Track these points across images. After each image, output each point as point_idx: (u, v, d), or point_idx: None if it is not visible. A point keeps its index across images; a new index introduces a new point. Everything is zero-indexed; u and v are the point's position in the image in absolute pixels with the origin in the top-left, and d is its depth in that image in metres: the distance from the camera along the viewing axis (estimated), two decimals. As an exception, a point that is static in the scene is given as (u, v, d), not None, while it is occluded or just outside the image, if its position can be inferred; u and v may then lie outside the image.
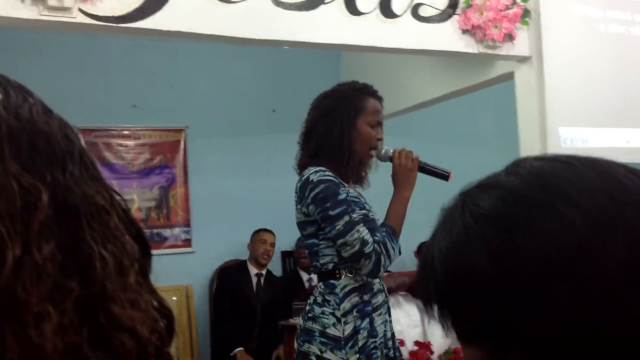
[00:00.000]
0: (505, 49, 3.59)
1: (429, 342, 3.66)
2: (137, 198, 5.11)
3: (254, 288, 4.92)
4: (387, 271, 3.17)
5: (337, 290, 2.26)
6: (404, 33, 3.38)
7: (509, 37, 3.53)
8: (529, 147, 3.64)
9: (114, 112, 5.04)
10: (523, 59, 3.72)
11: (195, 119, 5.24)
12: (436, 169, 2.38)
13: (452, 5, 3.47)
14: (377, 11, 3.30)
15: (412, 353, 3.58)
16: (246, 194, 5.27)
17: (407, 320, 3.73)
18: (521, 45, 3.63)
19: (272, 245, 4.99)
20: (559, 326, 0.56)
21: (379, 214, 2.38)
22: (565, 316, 0.55)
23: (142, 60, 5.10)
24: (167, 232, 5.20)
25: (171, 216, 5.22)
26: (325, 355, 2.21)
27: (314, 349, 2.23)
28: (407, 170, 2.35)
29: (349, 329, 2.22)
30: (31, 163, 0.40)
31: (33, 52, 4.74)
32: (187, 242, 5.26)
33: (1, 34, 4.14)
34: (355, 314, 2.24)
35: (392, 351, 2.35)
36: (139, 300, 0.43)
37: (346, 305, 2.24)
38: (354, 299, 2.26)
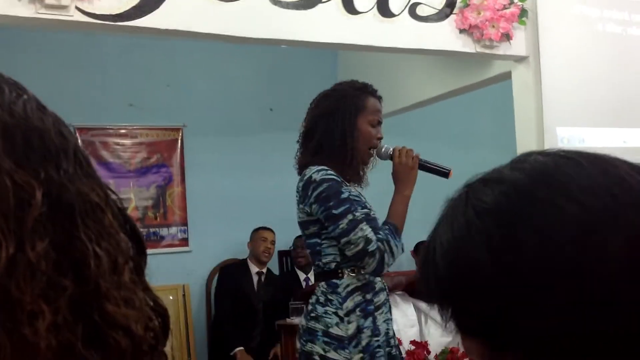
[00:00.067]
0: (503, 49, 3.59)
1: (426, 341, 3.66)
2: (134, 197, 5.10)
3: (255, 287, 4.92)
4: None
5: (340, 289, 2.27)
6: (402, 32, 3.37)
7: (506, 36, 3.54)
8: (526, 147, 3.64)
9: (111, 110, 5.03)
10: (520, 59, 3.72)
11: (193, 117, 5.24)
12: (436, 166, 2.39)
13: (450, 5, 3.47)
14: (375, 10, 3.30)
15: (409, 352, 3.58)
16: (243, 193, 5.27)
17: (404, 319, 3.73)
18: (518, 45, 3.64)
19: (273, 243, 5.00)
20: (559, 325, 0.55)
21: (378, 213, 2.39)
22: (565, 315, 0.55)
23: (139, 59, 5.09)
24: (164, 231, 5.20)
25: (168, 215, 5.21)
26: (328, 354, 2.22)
27: (317, 348, 2.23)
28: (407, 168, 2.36)
29: (352, 328, 2.23)
30: (25, 160, 0.40)
31: (30, 50, 4.73)
32: (184, 241, 5.25)
33: (-2, 32, 4.13)
34: (358, 313, 2.25)
35: (394, 349, 2.36)
36: (133, 299, 0.43)
37: (349, 304, 2.25)
38: (357, 298, 2.27)
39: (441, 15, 3.46)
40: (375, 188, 2.48)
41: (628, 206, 0.57)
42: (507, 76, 3.90)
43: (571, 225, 0.56)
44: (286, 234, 5.17)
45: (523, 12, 3.56)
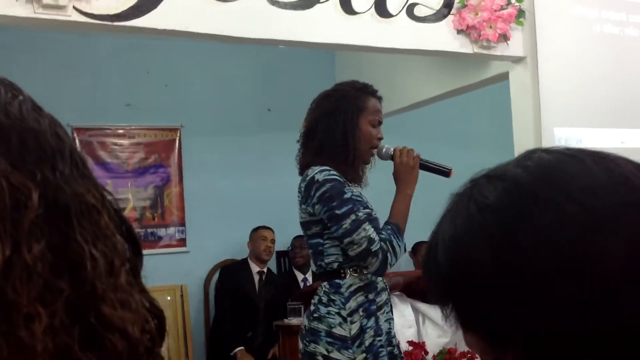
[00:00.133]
0: (500, 49, 3.59)
1: (423, 342, 3.66)
2: (132, 197, 5.10)
3: (257, 286, 4.91)
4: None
5: (343, 289, 2.28)
6: (399, 33, 3.38)
7: (504, 37, 3.54)
8: (524, 147, 3.58)
9: (108, 110, 5.03)
10: (518, 59, 3.73)
11: (190, 118, 5.23)
12: (437, 165, 2.40)
13: (447, 5, 3.47)
14: (372, 11, 3.30)
15: (406, 353, 3.57)
16: (241, 194, 5.27)
17: (402, 320, 3.73)
18: (516, 45, 3.64)
19: (273, 241, 5.00)
20: (558, 325, 0.55)
21: (379, 213, 2.39)
22: (564, 315, 0.55)
23: (136, 59, 5.09)
24: (161, 232, 5.19)
25: (166, 215, 5.21)
26: (332, 355, 2.23)
27: (321, 349, 2.24)
28: (408, 168, 2.37)
29: (355, 328, 2.24)
30: (21, 161, 0.40)
31: (28, 50, 4.73)
32: (182, 242, 5.25)
33: (-5, 32, 4.12)
34: (361, 313, 2.26)
35: (395, 349, 2.38)
36: (129, 301, 0.43)
37: (352, 304, 2.26)
38: (360, 298, 2.28)
39: (439, 16, 3.46)
40: (376, 188, 2.48)
41: (631, 206, 0.57)
42: (504, 77, 3.90)
43: (571, 225, 0.56)
44: (284, 235, 5.17)
45: (520, 13, 3.56)
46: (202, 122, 5.26)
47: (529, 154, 0.64)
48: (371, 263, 2.24)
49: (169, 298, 5.01)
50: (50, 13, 2.64)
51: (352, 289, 2.28)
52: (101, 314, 0.40)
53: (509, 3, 3.52)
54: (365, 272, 2.29)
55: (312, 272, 5.19)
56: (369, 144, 2.36)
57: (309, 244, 2.39)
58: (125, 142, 5.11)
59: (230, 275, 4.94)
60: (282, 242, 5.26)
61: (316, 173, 2.26)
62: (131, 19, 2.79)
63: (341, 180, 2.27)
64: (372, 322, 2.27)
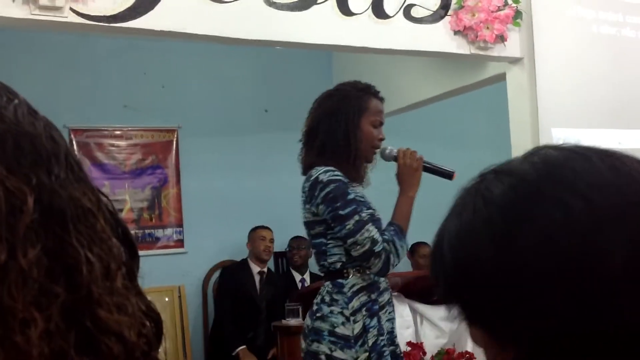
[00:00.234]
0: (497, 50, 3.59)
1: (421, 342, 3.66)
2: (129, 198, 5.09)
3: (257, 286, 4.91)
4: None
5: (345, 289, 2.30)
6: (396, 34, 3.38)
7: (501, 38, 3.54)
8: (521, 148, 3.60)
9: (105, 112, 5.03)
10: (515, 60, 3.73)
11: (188, 118, 5.23)
12: (440, 168, 2.42)
13: (444, 7, 3.47)
14: (369, 12, 3.30)
15: (405, 354, 3.58)
16: (238, 194, 5.27)
17: (400, 320, 3.72)
18: (513, 46, 3.64)
19: (272, 241, 5.00)
20: (557, 325, 0.55)
21: (381, 213, 2.41)
22: (564, 315, 0.55)
23: (134, 60, 5.08)
24: (159, 233, 5.19)
25: (163, 216, 5.20)
26: (335, 354, 2.25)
27: (323, 348, 2.26)
28: (411, 170, 2.39)
29: (358, 327, 2.26)
30: (16, 165, 0.40)
31: (24, 51, 4.72)
32: (180, 243, 5.24)
33: (-8, 33, 4.12)
34: (364, 312, 2.28)
35: (397, 348, 2.41)
36: (126, 305, 0.43)
37: (355, 304, 2.28)
38: (363, 297, 2.30)
39: (436, 17, 3.47)
40: (379, 188, 2.49)
41: (636, 205, 0.57)
42: (501, 78, 3.90)
43: (575, 223, 0.56)
44: (282, 235, 5.17)
45: (517, 14, 3.56)
46: (199, 123, 5.25)
47: (537, 150, 0.64)
48: (374, 264, 2.26)
49: (166, 299, 5.00)
50: (47, 14, 2.64)
51: (354, 288, 2.30)
52: (97, 318, 0.40)
53: (505, 4, 3.52)
54: (368, 272, 2.30)
55: (310, 272, 5.19)
56: (370, 144, 2.38)
57: (312, 243, 2.41)
58: (122, 143, 5.11)
59: (230, 276, 4.93)
60: (280, 243, 5.26)
61: (320, 173, 2.28)
62: (128, 20, 2.79)
63: (345, 180, 2.29)
64: (374, 321, 2.29)
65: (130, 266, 0.46)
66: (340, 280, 2.31)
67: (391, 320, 2.37)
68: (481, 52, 3.57)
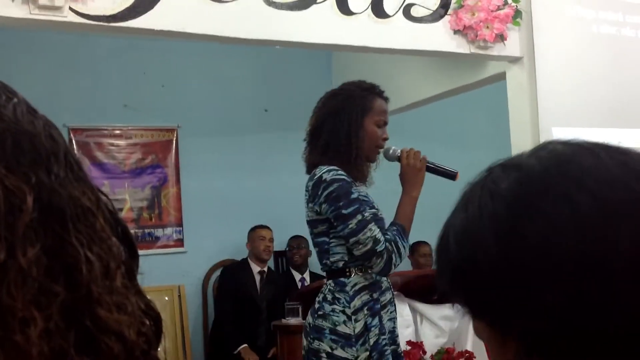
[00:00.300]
0: (497, 50, 3.59)
1: (421, 341, 3.67)
2: (129, 198, 5.09)
3: (258, 286, 4.91)
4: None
5: (348, 288, 2.31)
6: (396, 33, 3.38)
7: (501, 37, 3.54)
8: (521, 148, 3.58)
9: (105, 111, 5.02)
10: (514, 60, 3.73)
11: (187, 118, 5.23)
12: (443, 168, 2.44)
13: (444, 6, 3.47)
14: (369, 11, 3.30)
15: (405, 353, 3.58)
16: (238, 194, 5.27)
17: (400, 319, 3.72)
18: (512, 45, 3.64)
19: (271, 240, 5.00)
20: (557, 322, 0.55)
21: (384, 213, 2.42)
22: (564, 312, 0.55)
23: (133, 60, 5.08)
24: (159, 232, 5.19)
25: (163, 216, 5.20)
26: (335, 352, 2.26)
27: (325, 346, 2.27)
28: (415, 170, 2.40)
29: (359, 326, 2.27)
30: (15, 164, 0.40)
31: (24, 50, 4.72)
32: (179, 242, 5.24)
33: (-9, 32, 4.12)
34: (365, 311, 2.29)
35: (399, 348, 2.43)
36: (125, 304, 0.43)
37: (356, 303, 2.29)
38: (364, 297, 2.31)
39: (435, 16, 3.46)
40: (382, 188, 2.50)
41: None
42: (501, 77, 3.90)
43: (581, 218, 0.55)
44: (281, 235, 5.17)
45: (517, 13, 3.56)
46: (199, 122, 5.25)
47: (545, 145, 0.63)
48: (376, 263, 2.27)
49: (166, 298, 5.00)
50: (47, 14, 2.64)
51: (356, 287, 2.31)
52: (97, 317, 0.40)
53: (505, 3, 3.52)
54: (370, 272, 2.31)
55: (310, 272, 5.19)
56: (374, 143, 2.39)
57: (314, 242, 2.42)
58: (122, 142, 5.11)
59: (231, 276, 4.93)
60: (280, 242, 5.26)
61: (324, 172, 2.29)
62: (127, 20, 2.79)
63: (348, 180, 2.30)
64: (376, 320, 2.30)
65: (129, 265, 0.46)
66: (342, 279, 2.32)
67: (393, 319, 2.38)
68: (481, 52, 3.57)
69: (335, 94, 2.44)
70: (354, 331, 2.26)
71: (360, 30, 3.29)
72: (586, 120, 3.69)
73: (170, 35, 3.03)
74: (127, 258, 0.45)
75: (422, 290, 3.76)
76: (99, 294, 0.41)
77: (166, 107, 5.19)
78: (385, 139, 2.43)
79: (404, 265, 5.40)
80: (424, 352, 3.63)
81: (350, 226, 2.25)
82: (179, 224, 5.24)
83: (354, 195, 2.27)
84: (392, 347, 2.36)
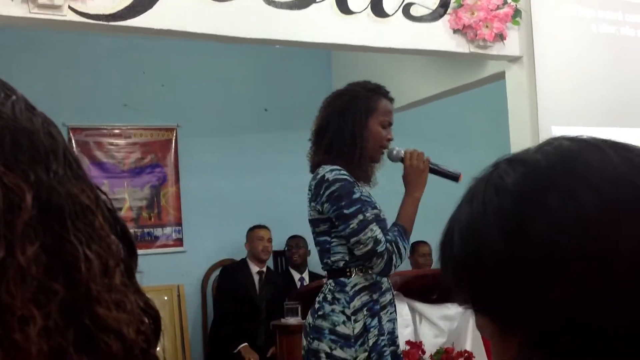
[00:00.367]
0: (496, 49, 3.59)
1: (420, 341, 3.66)
2: (128, 197, 5.09)
3: (257, 286, 4.91)
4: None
5: (348, 288, 2.31)
6: (395, 32, 3.38)
7: (500, 36, 3.54)
8: (521, 147, 3.57)
9: (104, 110, 5.02)
10: (514, 59, 3.73)
11: (187, 117, 5.23)
12: (447, 170, 2.45)
13: (443, 5, 3.47)
14: (369, 10, 3.30)
15: (404, 353, 3.58)
16: (238, 193, 5.27)
17: (399, 319, 3.72)
18: (512, 45, 3.64)
19: (270, 240, 5.00)
20: (558, 319, 0.55)
21: (387, 214, 2.43)
22: (563, 310, 0.54)
23: (133, 59, 5.08)
24: (158, 232, 5.19)
25: (162, 215, 5.20)
26: (335, 352, 2.26)
27: (324, 346, 2.28)
28: (418, 171, 2.40)
29: (358, 327, 2.28)
30: (14, 161, 0.40)
31: (23, 50, 4.72)
32: (179, 242, 5.24)
33: (-9, 32, 4.11)
34: (365, 312, 2.30)
35: (398, 349, 2.43)
36: (124, 302, 0.42)
37: (356, 303, 2.30)
38: (364, 297, 2.31)
39: (435, 16, 3.47)
40: (385, 189, 2.50)
41: None
42: (501, 76, 3.90)
43: (586, 215, 0.55)
44: (280, 234, 5.17)
45: (517, 13, 3.56)
46: (198, 122, 5.25)
47: (551, 141, 0.63)
48: (376, 264, 2.27)
49: (165, 298, 5.00)
50: (46, 13, 2.64)
51: (356, 288, 2.32)
52: (96, 316, 0.40)
53: (505, 2, 3.52)
54: (370, 272, 2.32)
55: (309, 271, 5.19)
56: (378, 144, 2.40)
57: (316, 241, 2.43)
58: (121, 142, 5.11)
59: (230, 276, 4.93)
60: (280, 242, 5.26)
61: (327, 172, 2.30)
62: (127, 19, 2.79)
63: (351, 180, 2.30)
64: (375, 321, 2.30)
65: (128, 263, 0.45)
66: (342, 279, 2.33)
67: (392, 320, 2.39)
68: (480, 51, 3.57)
69: (340, 94, 2.45)
70: (353, 332, 2.27)
71: (360, 30, 3.29)
72: (586, 119, 3.69)
73: (170, 35, 3.03)
74: (126, 256, 0.45)
75: (422, 290, 3.76)
76: (98, 292, 0.40)
77: (166, 107, 5.19)
78: (390, 140, 2.43)
79: (404, 265, 5.40)
80: (423, 352, 3.63)
81: (351, 226, 2.25)
82: (179, 223, 5.24)
83: (356, 196, 2.28)
84: (392, 348, 2.36)
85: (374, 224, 2.27)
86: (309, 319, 2.38)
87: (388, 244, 2.28)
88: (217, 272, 5.18)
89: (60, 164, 0.42)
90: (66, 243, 0.40)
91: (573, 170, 0.58)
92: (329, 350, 2.26)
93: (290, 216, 5.02)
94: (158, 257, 4.98)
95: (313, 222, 2.39)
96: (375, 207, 2.35)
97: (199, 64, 5.24)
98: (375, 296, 2.33)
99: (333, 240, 2.34)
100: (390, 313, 2.38)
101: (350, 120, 2.36)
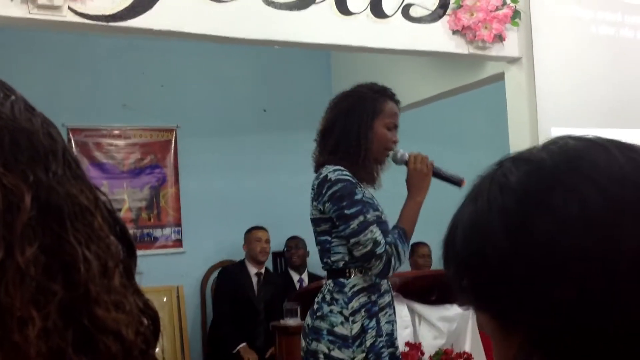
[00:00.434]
0: (496, 50, 3.59)
1: (419, 343, 3.66)
2: (128, 198, 5.09)
3: (255, 288, 4.90)
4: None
5: (346, 289, 2.32)
6: (395, 33, 3.38)
7: (499, 38, 3.54)
8: (520, 148, 3.60)
9: (104, 111, 5.02)
10: (513, 60, 3.73)
11: (186, 118, 5.23)
12: (450, 175, 2.45)
13: (443, 6, 3.47)
14: (368, 11, 3.30)
15: (403, 354, 3.58)
16: (237, 194, 5.27)
17: (398, 320, 3.71)
18: (511, 46, 3.64)
19: (267, 241, 4.99)
20: (562, 321, 0.55)
21: (388, 215, 2.43)
22: (568, 312, 0.54)
23: (132, 59, 5.08)
24: (157, 232, 5.18)
25: (162, 216, 5.20)
26: (333, 353, 2.27)
27: (322, 347, 2.28)
28: (421, 175, 2.41)
29: (356, 328, 2.28)
30: (13, 162, 0.40)
31: (23, 50, 4.71)
32: (178, 242, 5.24)
33: (-10, 32, 4.11)
34: (363, 313, 2.30)
35: (397, 351, 2.43)
36: (123, 303, 0.42)
37: (354, 304, 2.30)
38: (362, 298, 2.32)
39: (434, 17, 3.46)
40: (389, 191, 2.51)
41: None
42: (500, 77, 3.90)
43: (589, 215, 0.55)
44: (279, 235, 5.16)
45: (516, 14, 3.56)
46: (198, 122, 5.25)
47: (557, 140, 0.63)
48: (375, 265, 2.28)
49: (165, 299, 5.00)
50: (46, 13, 2.63)
51: (355, 289, 2.32)
52: (95, 317, 0.40)
53: (504, 4, 3.52)
54: (369, 273, 2.32)
55: (308, 272, 5.19)
56: (383, 146, 2.40)
57: (317, 240, 2.43)
58: (121, 142, 5.10)
59: (228, 278, 4.92)
60: (279, 242, 5.26)
61: (329, 172, 2.31)
62: (126, 20, 2.79)
63: (353, 181, 2.31)
64: (373, 322, 2.31)
65: (127, 264, 0.45)
66: (341, 280, 2.33)
67: (391, 322, 2.39)
68: (479, 52, 3.57)
69: (346, 95, 2.47)
70: (351, 332, 2.27)
71: (359, 31, 3.29)
72: (585, 120, 3.69)
73: (169, 35, 3.03)
74: (125, 257, 0.45)
75: (421, 291, 3.76)
76: (97, 293, 0.40)
77: (165, 107, 5.19)
78: (395, 142, 2.44)
79: (403, 266, 5.40)
80: (422, 354, 3.62)
81: (351, 226, 2.26)
82: (178, 224, 5.23)
83: (358, 196, 2.29)
84: (390, 349, 2.36)
85: (375, 225, 2.28)
86: (308, 320, 2.39)
87: (387, 246, 2.29)
88: (216, 273, 5.17)
89: (60, 164, 0.42)
90: (65, 244, 0.40)
91: (578, 170, 0.58)
92: (327, 351, 2.27)
93: (289, 217, 5.01)
94: (157, 258, 4.98)
95: (314, 222, 2.40)
96: (377, 209, 2.36)
97: (198, 64, 5.24)
98: (373, 297, 2.33)
99: (333, 240, 2.35)
100: (389, 315, 2.38)
101: (355, 122, 2.37)
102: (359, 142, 2.35)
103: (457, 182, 2.40)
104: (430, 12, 3.45)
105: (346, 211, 2.27)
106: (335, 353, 2.27)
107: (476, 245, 0.60)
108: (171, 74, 5.22)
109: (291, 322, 3.94)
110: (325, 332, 2.29)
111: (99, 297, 0.41)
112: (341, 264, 2.34)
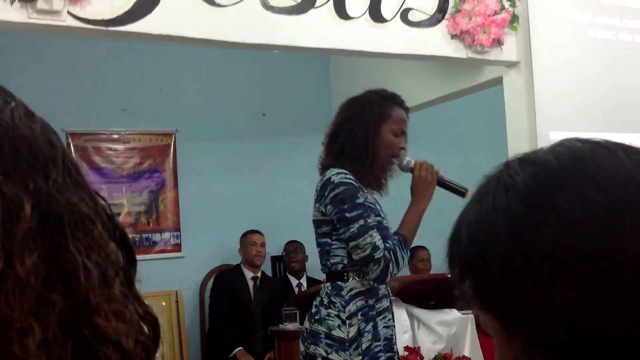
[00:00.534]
0: (494, 54, 3.60)
1: (418, 347, 3.66)
2: (127, 202, 5.08)
3: (251, 292, 4.89)
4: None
5: (344, 292, 2.33)
6: (393, 38, 3.38)
7: (498, 42, 3.54)
8: (518, 152, 3.63)
9: (103, 115, 5.02)
10: (511, 64, 3.73)
11: (185, 122, 5.23)
12: (454, 184, 2.46)
13: (441, 10, 3.48)
14: (367, 16, 3.30)
15: (402, 358, 3.57)
16: (236, 198, 5.26)
17: (397, 325, 3.71)
18: (510, 50, 3.65)
19: (263, 245, 4.99)
20: (564, 322, 0.55)
21: (391, 220, 2.44)
22: (570, 313, 0.54)
23: (131, 64, 5.08)
24: (156, 237, 5.18)
25: (161, 221, 5.19)
26: (330, 356, 2.28)
27: (320, 350, 2.30)
28: (426, 183, 2.42)
29: (353, 331, 2.29)
30: (13, 169, 0.39)
31: (22, 54, 4.72)
32: (177, 247, 5.23)
33: (-11, 37, 4.11)
34: (359, 317, 2.31)
35: (396, 355, 2.43)
36: (123, 312, 0.42)
37: (351, 308, 2.31)
38: (359, 302, 2.32)
39: (433, 21, 3.47)
40: (392, 194, 2.51)
41: None
42: (498, 81, 3.91)
43: (593, 217, 0.55)
44: (278, 239, 5.16)
45: (514, 18, 3.57)
46: (197, 126, 5.25)
47: (564, 142, 0.63)
48: (372, 270, 2.29)
49: (163, 304, 4.99)
50: (45, 18, 2.63)
51: (352, 292, 2.33)
52: (95, 327, 0.40)
53: (502, 8, 3.53)
54: (367, 278, 2.33)
55: (307, 277, 5.18)
56: (390, 152, 2.41)
57: (317, 242, 2.44)
58: (120, 147, 5.10)
59: (224, 282, 4.92)
60: (278, 247, 5.25)
61: (333, 174, 2.32)
62: (126, 24, 2.79)
63: (356, 185, 2.32)
64: (370, 326, 2.31)
65: (127, 271, 0.45)
66: (339, 283, 2.34)
67: (390, 327, 2.39)
68: (478, 56, 3.57)
69: (355, 100, 2.48)
70: (347, 335, 2.28)
71: (358, 35, 3.29)
72: (583, 124, 3.69)
73: (169, 40, 3.03)
74: (125, 264, 0.45)
75: (420, 295, 3.76)
76: (97, 303, 0.40)
77: (164, 112, 5.19)
78: (402, 149, 2.45)
79: (402, 270, 5.39)
80: (421, 358, 3.62)
81: (351, 230, 2.27)
82: (177, 228, 5.23)
83: (360, 200, 2.29)
84: (389, 354, 2.36)
85: (375, 230, 2.29)
86: (306, 324, 2.39)
87: (386, 252, 2.29)
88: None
89: (60, 171, 0.42)
90: (65, 252, 0.40)
91: (584, 172, 0.58)
92: (325, 355, 2.28)
93: (288, 221, 5.01)
94: (156, 262, 4.97)
95: (316, 223, 2.41)
96: (379, 215, 2.37)
97: (197, 68, 5.24)
98: (371, 302, 2.33)
99: (334, 242, 2.36)
100: (388, 319, 2.39)
101: (363, 126, 2.38)
102: (366, 147, 2.37)
103: (461, 192, 2.41)
104: (428, 16, 3.45)
105: (347, 214, 2.28)
106: (333, 356, 2.28)
107: (481, 245, 0.61)
108: (170, 78, 5.22)
109: (290, 326, 3.93)
110: (322, 335, 2.30)
111: (99, 306, 0.40)
112: (340, 266, 2.35)
